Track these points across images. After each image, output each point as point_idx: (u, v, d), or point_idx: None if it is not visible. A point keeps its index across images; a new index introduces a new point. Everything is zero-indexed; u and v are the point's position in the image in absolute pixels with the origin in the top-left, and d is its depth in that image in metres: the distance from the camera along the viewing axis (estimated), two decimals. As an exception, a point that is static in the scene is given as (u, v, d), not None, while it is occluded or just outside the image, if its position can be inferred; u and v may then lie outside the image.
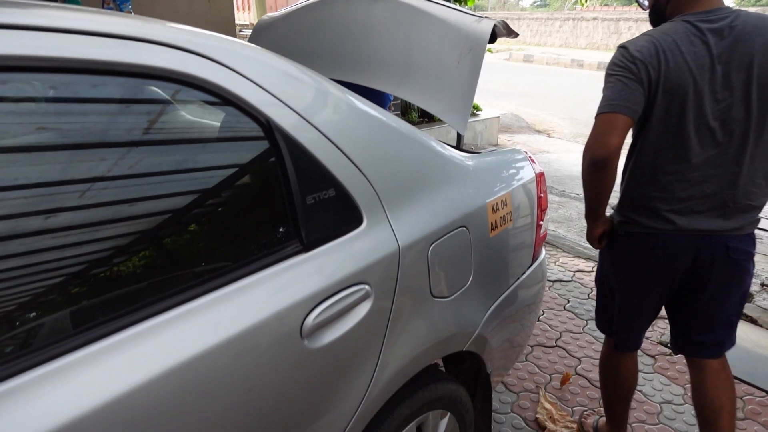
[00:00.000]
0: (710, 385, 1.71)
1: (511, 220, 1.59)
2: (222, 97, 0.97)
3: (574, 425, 2.09)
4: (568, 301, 3.05)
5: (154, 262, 0.90)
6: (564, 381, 2.35)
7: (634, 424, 2.11)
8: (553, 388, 2.33)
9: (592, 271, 3.41)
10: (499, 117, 7.40)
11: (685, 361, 2.46)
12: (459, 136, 1.75)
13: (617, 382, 1.85)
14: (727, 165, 1.47)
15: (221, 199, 1.01)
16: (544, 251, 1.89)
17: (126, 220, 0.87)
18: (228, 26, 5.14)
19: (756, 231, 1.57)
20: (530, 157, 1.82)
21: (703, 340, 1.68)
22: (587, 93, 11.12)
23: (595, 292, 2.31)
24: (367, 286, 1.12)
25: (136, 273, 0.87)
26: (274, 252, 1.02)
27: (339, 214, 1.13)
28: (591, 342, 2.66)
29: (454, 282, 1.39)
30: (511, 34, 1.95)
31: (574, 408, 2.20)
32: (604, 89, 1.50)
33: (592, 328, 2.77)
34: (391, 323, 1.20)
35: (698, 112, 1.44)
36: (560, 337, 2.70)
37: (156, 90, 0.92)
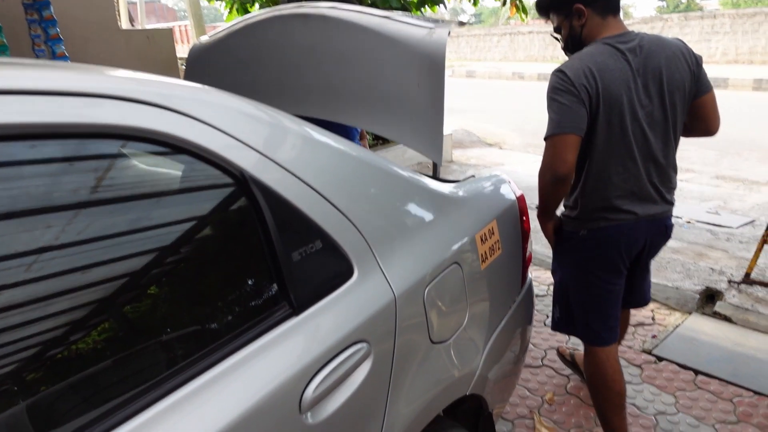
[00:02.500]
0: (626, 314, 2.27)
1: (499, 248, 1.52)
2: (184, 150, 0.86)
3: (575, 450, 2.02)
4: (547, 317, 3.02)
5: (115, 347, 0.77)
6: (549, 402, 2.30)
7: (633, 441, 2.06)
8: (547, 410, 2.26)
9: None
10: (451, 134, 7.44)
11: (670, 368, 2.47)
12: (435, 166, 1.68)
13: (610, 387, 1.91)
14: (658, 158, 1.75)
15: (193, 264, 0.89)
16: (530, 273, 1.83)
17: (77, 294, 0.74)
18: (170, 62, 4.95)
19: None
20: (508, 180, 1.77)
21: (642, 293, 2.09)
22: (531, 103, 11.40)
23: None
24: (365, 344, 1.02)
25: (91, 364, 0.73)
26: (261, 320, 0.91)
27: (328, 268, 1.02)
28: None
29: (453, 323, 1.30)
30: (462, 25, 1.88)
31: (571, 430, 2.14)
32: (551, 112, 1.66)
33: (576, 342, 2.73)
34: (394, 380, 1.09)
35: (633, 117, 1.68)
36: (545, 356, 2.65)
37: (103, 147, 0.80)
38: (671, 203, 1.84)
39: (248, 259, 0.95)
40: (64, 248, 0.73)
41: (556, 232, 1.96)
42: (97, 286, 0.75)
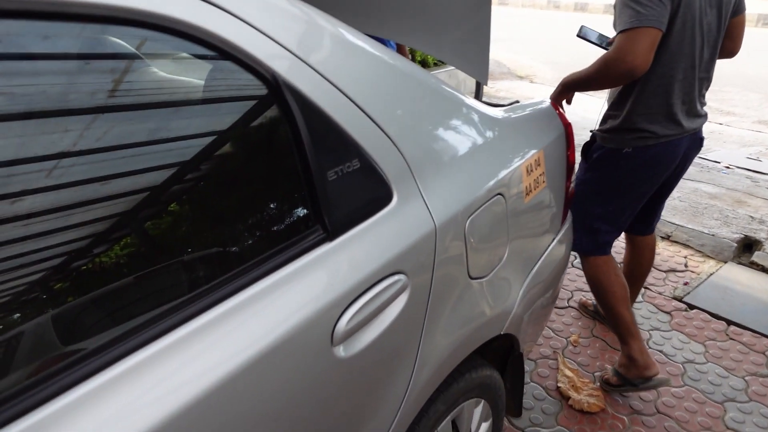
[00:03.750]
0: (650, 253, 2.17)
1: (544, 181, 1.40)
2: (212, 46, 0.74)
3: (599, 392, 1.98)
4: (575, 257, 2.92)
5: (136, 265, 0.68)
6: (574, 343, 2.25)
7: (659, 389, 2.01)
8: (571, 352, 2.21)
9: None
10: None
11: (701, 317, 2.39)
12: (478, 87, 1.53)
13: (614, 282, 1.96)
14: (707, 69, 1.75)
15: (218, 179, 0.79)
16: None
17: (95, 209, 0.65)
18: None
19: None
20: (557, 107, 1.61)
21: (656, 218, 2.09)
22: (566, 35, 10.82)
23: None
24: (403, 276, 0.93)
25: (111, 280, 0.65)
26: (292, 244, 0.81)
27: (365, 191, 0.92)
28: (604, 300, 2.54)
29: (492, 258, 1.20)
30: None
31: (596, 374, 2.09)
32: (633, 2, 1.54)
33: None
34: (429, 315, 1.01)
35: (700, 24, 1.65)
36: (572, 297, 2.58)
37: (124, 41, 0.68)
38: (706, 116, 1.87)
39: (279, 175, 0.85)
40: (81, 155, 0.63)
41: (586, 149, 1.95)
42: (116, 200, 0.66)
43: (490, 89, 7.12)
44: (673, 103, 1.71)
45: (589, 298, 2.55)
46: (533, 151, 1.35)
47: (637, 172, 1.80)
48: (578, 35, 1.98)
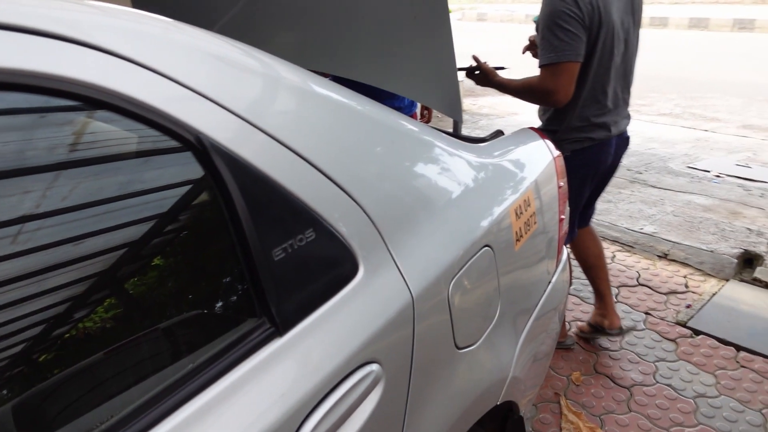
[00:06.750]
0: (595, 240, 2.25)
1: (535, 222, 1.25)
2: (104, 104, 0.58)
3: (607, 439, 1.82)
4: (571, 284, 2.77)
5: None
6: (576, 381, 2.09)
7: (671, 429, 1.85)
8: (574, 392, 2.05)
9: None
10: (462, 81, 7.02)
11: (708, 343, 2.24)
12: (455, 124, 1.38)
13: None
14: (628, 75, 1.92)
15: (134, 273, 0.62)
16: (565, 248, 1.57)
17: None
18: None
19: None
20: (542, 135, 1.47)
21: (593, 212, 2.22)
22: (545, 48, 10.80)
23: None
24: (376, 365, 0.77)
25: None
26: (232, 346, 0.65)
27: (323, 266, 0.75)
28: (604, 330, 2.39)
29: (481, 321, 1.05)
30: None
31: (602, 416, 1.93)
32: (553, 38, 1.67)
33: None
34: (410, 406, 0.85)
35: (617, 35, 1.76)
36: (569, 328, 2.42)
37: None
38: (629, 116, 2.03)
39: (212, 261, 0.69)
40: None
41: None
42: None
43: (472, 106, 7.04)
44: (603, 112, 1.87)
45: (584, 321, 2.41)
46: (521, 191, 1.20)
47: (578, 172, 1.89)
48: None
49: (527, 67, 2.04)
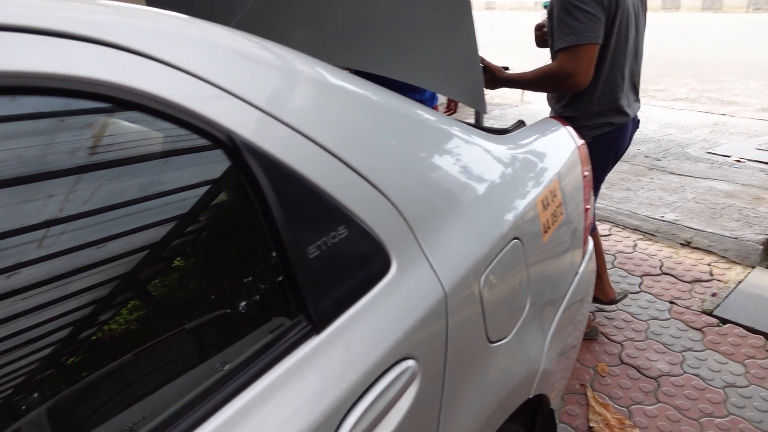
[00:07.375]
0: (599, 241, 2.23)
1: (562, 213, 1.23)
2: (140, 107, 0.58)
3: (636, 429, 1.79)
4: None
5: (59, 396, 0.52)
6: (602, 372, 2.07)
7: (701, 420, 1.82)
8: (600, 384, 2.03)
9: (623, 240, 3.10)
10: (473, 73, 6.97)
11: (736, 332, 2.21)
12: (477, 115, 1.37)
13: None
14: (640, 59, 1.94)
15: (170, 272, 0.62)
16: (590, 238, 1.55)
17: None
18: None
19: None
20: (564, 123, 1.45)
21: (597, 193, 2.16)
22: (556, 37, 10.70)
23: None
24: (412, 361, 0.76)
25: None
26: (270, 345, 0.65)
27: (357, 263, 0.75)
28: (628, 320, 2.36)
29: (512, 314, 1.04)
30: None
31: (631, 407, 1.91)
32: (572, 20, 1.64)
33: (626, 303, 2.47)
34: (446, 400, 0.84)
35: (632, 19, 1.78)
36: (593, 319, 2.40)
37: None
38: (640, 100, 2.06)
39: (245, 261, 0.68)
40: None
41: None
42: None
43: (485, 95, 6.97)
44: (620, 97, 1.87)
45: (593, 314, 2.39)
46: (548, 181, 1.18)
47: (599, 158, 1.85)
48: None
49: (526, 68, 2.01)
